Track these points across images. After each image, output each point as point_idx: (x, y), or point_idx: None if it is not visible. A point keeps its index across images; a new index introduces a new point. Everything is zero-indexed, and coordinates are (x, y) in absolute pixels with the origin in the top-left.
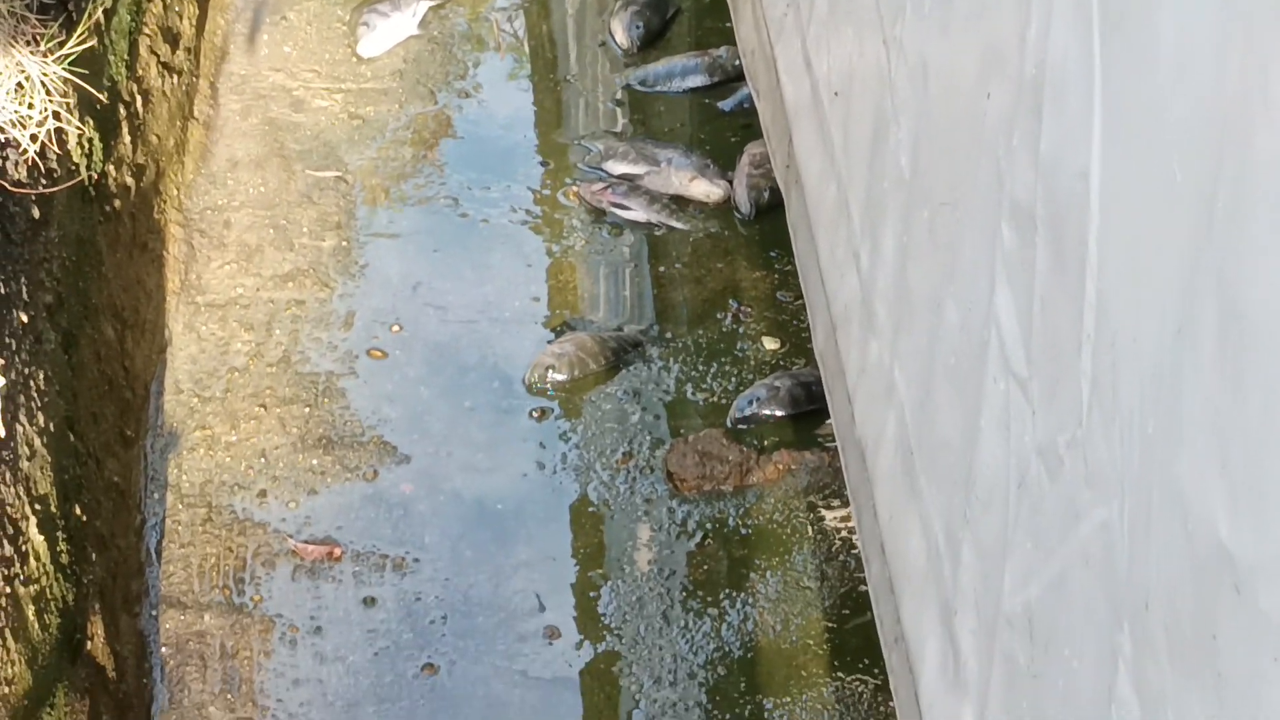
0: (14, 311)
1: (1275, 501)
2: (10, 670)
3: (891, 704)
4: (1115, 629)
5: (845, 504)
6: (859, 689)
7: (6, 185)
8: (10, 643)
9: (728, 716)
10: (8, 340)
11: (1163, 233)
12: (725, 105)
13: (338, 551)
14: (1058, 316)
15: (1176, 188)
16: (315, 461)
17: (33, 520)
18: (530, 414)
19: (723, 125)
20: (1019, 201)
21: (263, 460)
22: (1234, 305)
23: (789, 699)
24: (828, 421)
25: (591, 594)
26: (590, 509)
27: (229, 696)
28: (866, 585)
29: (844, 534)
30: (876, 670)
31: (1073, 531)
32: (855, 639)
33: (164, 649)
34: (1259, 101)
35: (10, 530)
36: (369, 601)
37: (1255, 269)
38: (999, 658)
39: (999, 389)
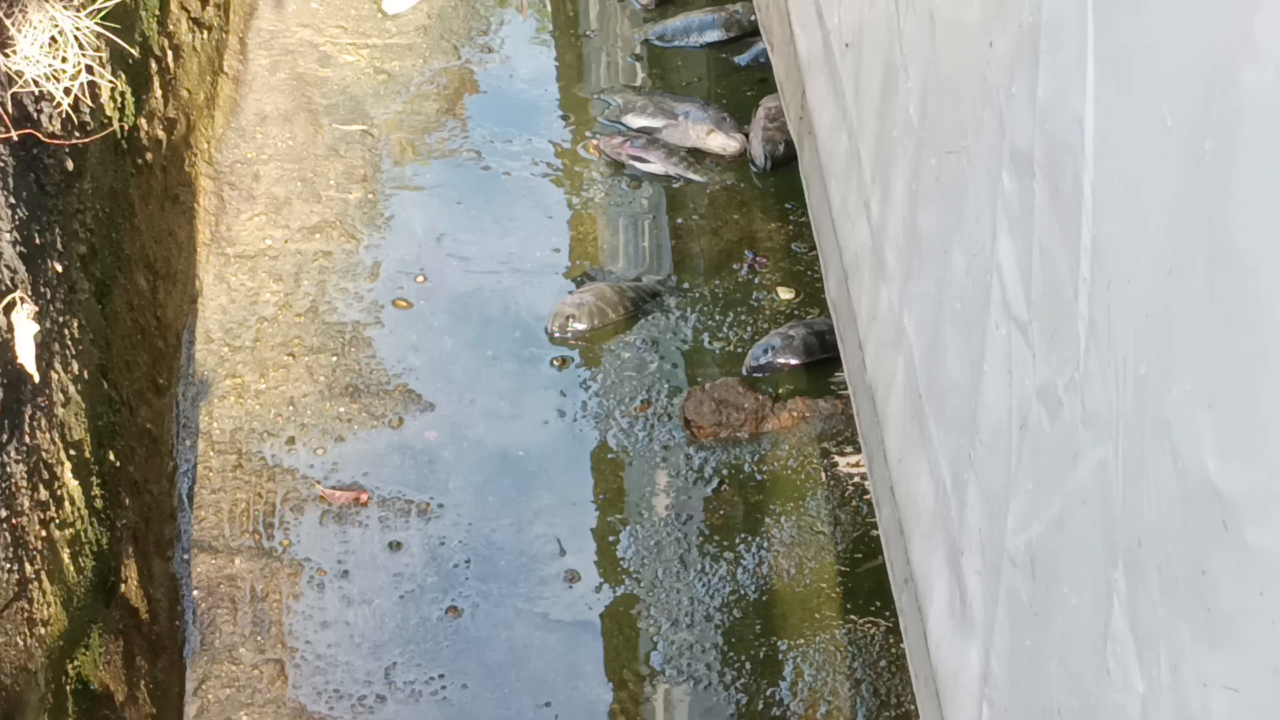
0: (49, 261)
1: (1262, 439)
2: (46, 612)
3: (902, 645)
4: (1110, 566)
5: (858, 450)
6: (871, 631)
7: (41, 136)
8: (46, 585)
9: (743, 658)
10: (43, 290)
11: (1154, 177)
12: (741, 60)
13: (364, 497)
14: (1055, 261)
15: (1167, 132)
16: (342, 409)
17: (67, 466)
18: (551, 362)
19: (739, 80)
20: (1018, 148)
21: (291, 408)
22: (1223, 247)
23: (803, 641)
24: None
25: (611, 539)
26: (610, 455)
27: (259, 638)
28: (878, 529)
29: (856, 479)
30: (888, 613)
31: (1071, 472)
32: (867, 582)
33: (196, 592)
34: (1244, 45)
35: (46, 475)
36: (394, 546)
37: (1242, 211)
38: (1003, 596)
39: (1001, 333)
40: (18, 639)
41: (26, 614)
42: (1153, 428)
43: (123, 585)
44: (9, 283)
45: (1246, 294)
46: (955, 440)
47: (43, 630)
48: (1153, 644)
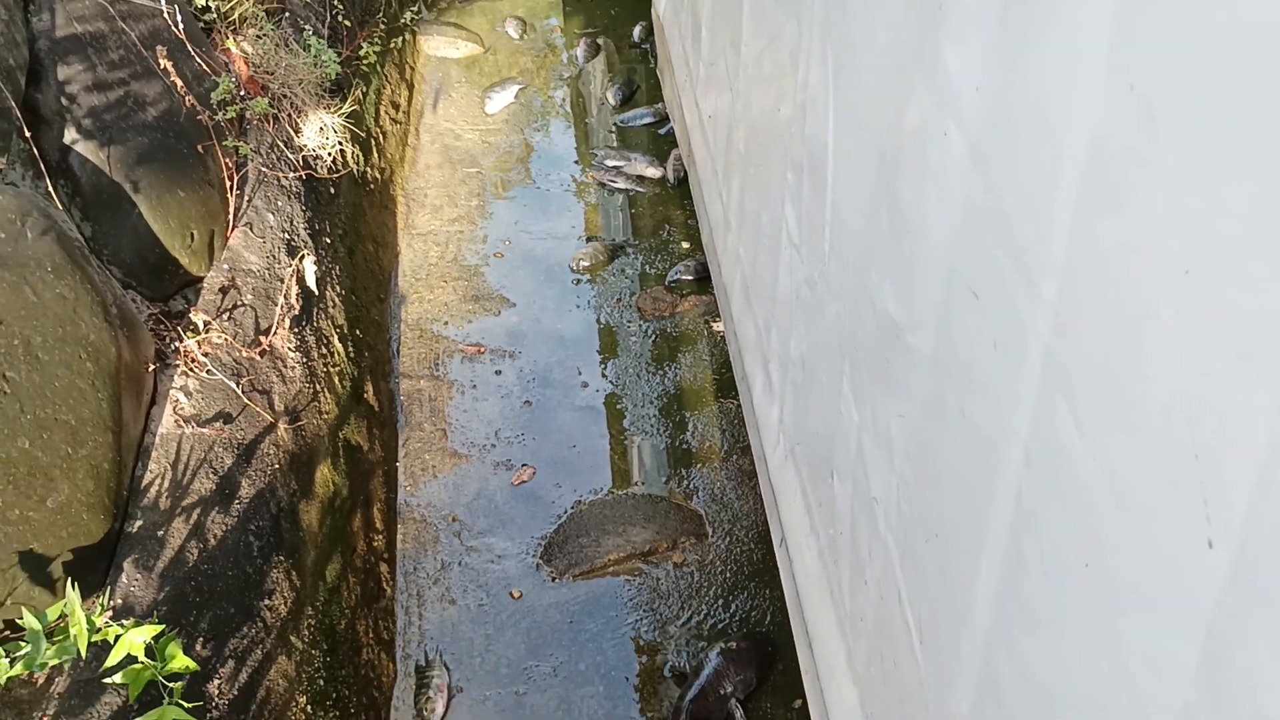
0: (323, 237)
1: (915, 294)
2: (328, 407)
3: (743, 411)
4: (841, 361)
5: (721, 319)
6: (731, 406)
7: (316, 175)
8: (327, 394)
9: (669, 422)
10: (320, 252)
11: (861, 169)
12: (662, 130)
13: (483, 349)
14: (814, 215)
15: (866, 145)
16: (470, 307)
17: (335, 335)
18: (572, 281)
19: (661, 140)
20: (795, 159)
21: (445, 306)
22: (895, 202)
23: (697, 410)
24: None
25: (603, 364)
26: (600, 324)
27: (433, 419)
28: (731, 359)
29: (722, 335)
30: (737, 396)
31: (821, 318)
32: (728, 382)
33: (402, 397)
34: (917, 80)
35: (326, 342)
36: (498, 372)
37: (905, 184)
38: (790, 382)
39: (787, 253)
40: (315, 420)
41: (318, 408)
42: (862, 292)
43: (365, 394)
44: (303, 246)
45: (908, 225)
46: (765, 308)
47: (326, 416)
48: (862, 396)
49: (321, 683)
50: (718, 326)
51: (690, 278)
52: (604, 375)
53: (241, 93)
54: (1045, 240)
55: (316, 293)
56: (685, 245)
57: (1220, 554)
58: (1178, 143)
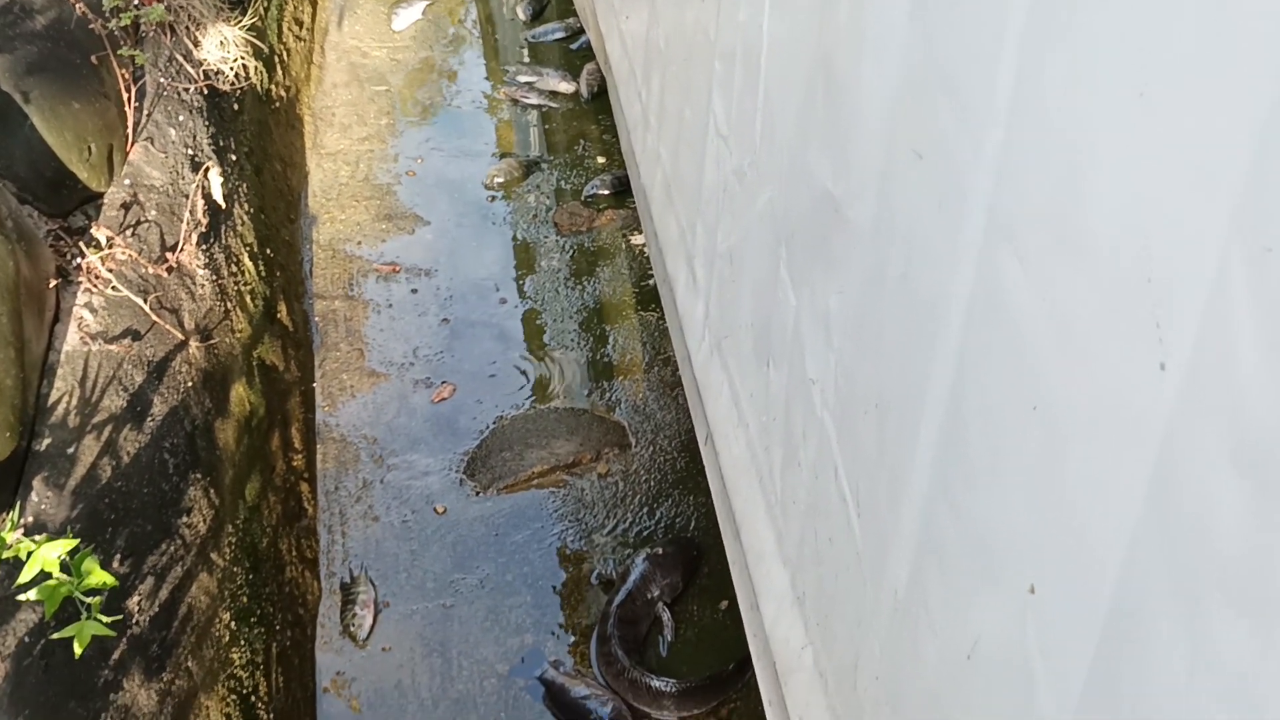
0: (228, 154)
1: (851, 166)
2: (240, 326)
3: (664, 320)
4: (777, 247)
5: (641, 232)
6: (651, 319)
7: (218, 87)
8: (239, 313)
9: (588, 336)
10: (227, 169)
11: (793, 56)
12: (574, 46)
13: (398, 268)
14: (745, 103)
15: (800, 35)
16: (384, 226)
17: (245, 255)
18: (487, 199)
19: (574, 56)
20: (726, 48)
21: (358, 226)
22: (831, 80)
23: (618, 324)
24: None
25: (521, 281)
26: (517, 241)
27: (350, 339)
28: (652, 266)
29: (639, 246)
30: (655, 307)
31: (752, 207)
32: (647, 294)
33: (317, 318)
34: None
35: (234, 258)
36: (414, 291)
37: (848, 59)
38: (715, 277)
39: (714, 145)
40: (227, 339)
41: (230, 327)
42: (800, 172)
43: (278, 314)
44: (205, 160)
45: (845, 98)
46: (689, 205)
47: (239, 335)
48: (800, 279)
49: (245, 599)
50: (636, 240)
51: (607, 192)
52: (522, 291)
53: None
54: (990, 86)
55: (224, 206)
56: (601, 160)
57: (1172, 376)
58: None
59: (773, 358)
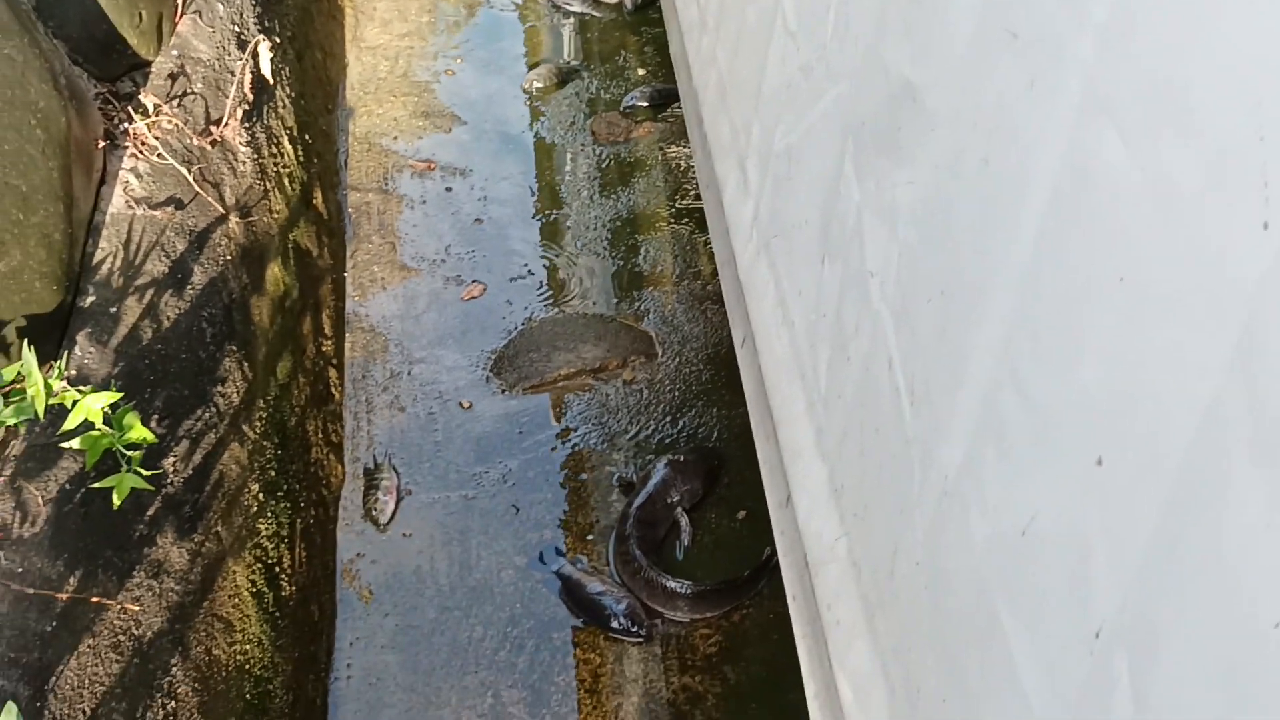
0: (272, 35)
1: (938, 49)
2: (278, 208)
3: (706, 237)
4: (843, 141)
5: (681, 144)
6: (685, 232)
7: None
8: (277, 195)
9: (620, 244)
10: (272, 51)
11: None
12: None
13: (433, 165)
14: None
15: None
16: (420, 123)
17: (285, 137)
18: (524, 101)
19: None
20: None
21: (394, 121)
22: None
23: (650, 235)
24: (674, 105)
25: (556, 186)
26: (553, 147)
27: (382, 232)
28: (689, 184)
29: (679, 160)
30: (688, 220)
31: (817, 104)
32: (681, 210)
33: (350, 210)
34: None
35: (276, 142)
36: (448, 189)
37: None
38: (770, 176)
39: (779, 43)
40: (265, 219)
41: (268, 207)
42: (874, 64)
43: (315, 200)
44: (254, 36)
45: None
46: (745, 106)
47: (276, 216)
48: (866, 172)
49: (273, 474)
50: (672, 152)
51: (645, 104)
52: (556, 197)
53: None
54: None
55: (272, 82)
56: (640, 72)
57: (1274, 235)
58: None
59: (828, 254)
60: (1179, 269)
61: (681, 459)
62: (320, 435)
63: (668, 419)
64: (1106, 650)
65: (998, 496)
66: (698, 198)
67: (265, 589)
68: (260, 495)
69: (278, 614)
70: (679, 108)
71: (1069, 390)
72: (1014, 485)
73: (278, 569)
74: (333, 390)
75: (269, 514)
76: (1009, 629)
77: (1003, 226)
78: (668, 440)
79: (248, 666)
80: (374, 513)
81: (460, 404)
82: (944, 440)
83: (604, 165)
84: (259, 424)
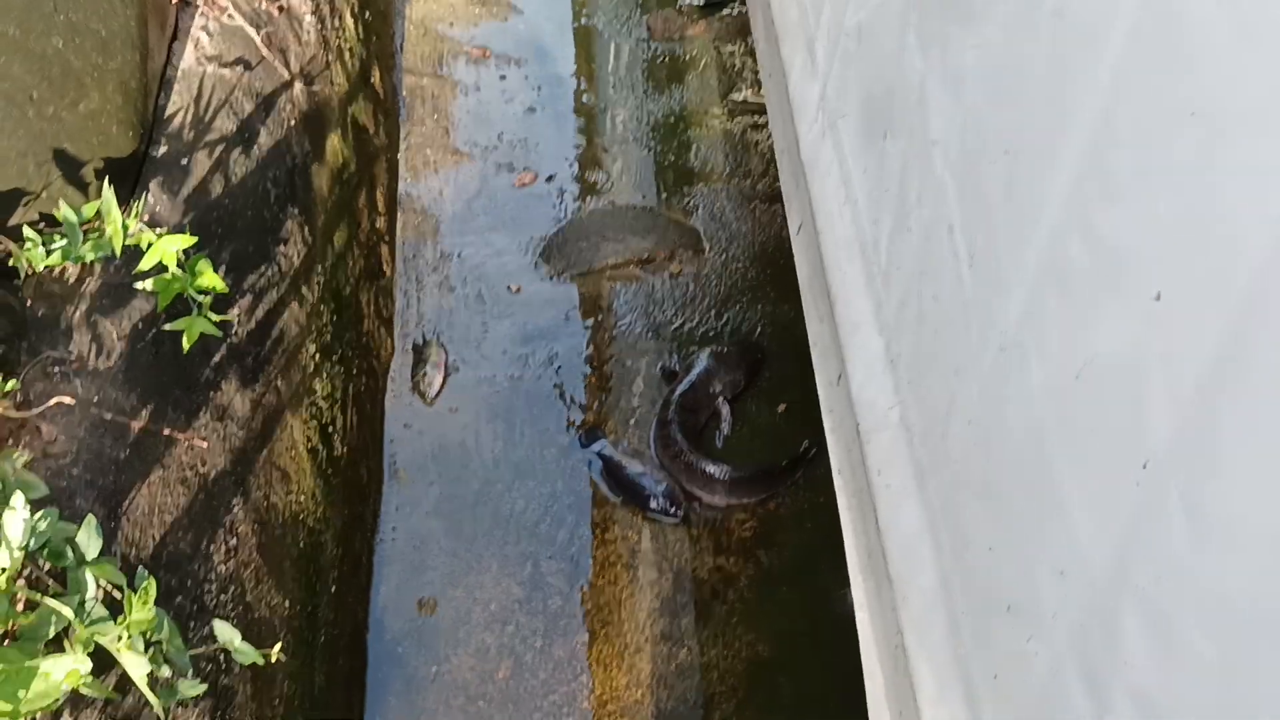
0: None
1: None
2: (340, 81)
3: (758, 137)
4: (907, 13)
5: (735, 44)
6: (736, 131)
7: None
8: (338, 67)
9: (670, 139)
10: None
11: None
12: None
13: (488, 53)
14: None
15: None
16: (477, 10)
17: (348, 11)
18: None
19: None
20: None
21: (451, 7)
22: None
23: (702, 132)
24: (729, 4)
25: (610, 79)
26: (608, 40)
27: (435, 116)
28: (742, 84)
29: (733, 59)
30: (746, 117)
31: None
32: (733, 108)
33: (405, 93)
34: None
35: (339, 15)
36: (503, 77)
37: None
38: (838, 56)
39: None
40: (326, 89)
41: (329, 79)
42: None
43: (372, 78)
44: None
45: None
46: None
47: (336, 88)
48: (930, 41)
49: (328, 338)
50: (727, 50)
51: (701, 3)
52: (610, 90)
53: None
54: None
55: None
56: None
57: None
58: None
59: (891, 129)
60: (1251, 99)
61: (724, 350)
62: (372, 308)
63: (712, 312)
64: (1154, 481)
65: (1056, 342)
66: (747, 100)
67: (320, 445)
68: (316, 356)
69: (330, 471)
70: (734, 7)
71: (1134, 228)
72: (1072, 329)
73: (331, 429)
74: (384, 266)
75: (324, 375)
76: (1058, 471)
77: (1076, 75)
78: (711, 333)
79: (301, 517)
80: (422, 387)
81: (509, 287)
82: (1003, 297)
83: (658, 61)
84: (316, 288)
